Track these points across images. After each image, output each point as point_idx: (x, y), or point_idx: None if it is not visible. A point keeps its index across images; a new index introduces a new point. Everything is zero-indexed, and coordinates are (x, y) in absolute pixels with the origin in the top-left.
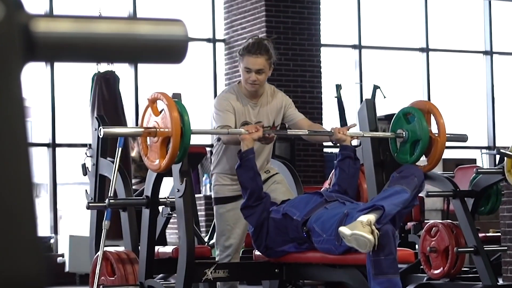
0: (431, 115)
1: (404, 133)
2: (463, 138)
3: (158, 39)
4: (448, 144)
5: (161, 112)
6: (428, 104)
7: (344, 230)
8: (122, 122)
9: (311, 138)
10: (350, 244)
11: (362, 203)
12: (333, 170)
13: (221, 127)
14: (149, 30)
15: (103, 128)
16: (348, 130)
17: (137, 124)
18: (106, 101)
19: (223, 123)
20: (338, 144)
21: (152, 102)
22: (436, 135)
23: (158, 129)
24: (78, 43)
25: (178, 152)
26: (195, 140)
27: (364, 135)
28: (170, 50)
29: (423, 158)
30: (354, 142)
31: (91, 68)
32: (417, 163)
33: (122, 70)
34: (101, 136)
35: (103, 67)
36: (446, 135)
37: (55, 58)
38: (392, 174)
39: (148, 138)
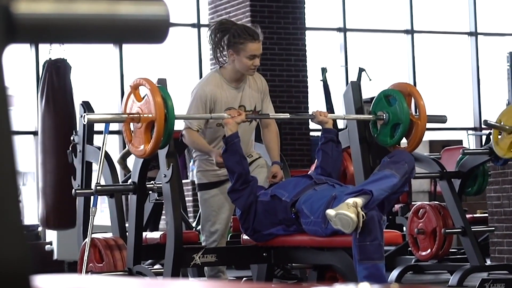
0: (412, 97)
1: (384, 115)
2: (442, 119)
3: (139, 19)
4: (434, 125)
5: (143, 97)
6: (409, 87)
7: (330, 211)
8: (71, 111)
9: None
10: (336, 226)
11: (352, 186)
12: (316, 153)
13: (210, 129)
14: (130, 11)
15: (86, 115)
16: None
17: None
18: (56, 89)
19: (188, 120)
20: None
21: (135, 88)
22: (417, 117)
23: (141, 115)
24: (59, 24)
25: (162, 137)
26: (179, 125)
27: (345, 117)
28: (152, 30)
29: (403, 140)
30: (341, 124)
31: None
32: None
33: (106, 54)
34: (84, 123)
35: (55, 54)
36: (427, 117)
37: (37, 39)
38: (383, 159)
39: (131, 124)
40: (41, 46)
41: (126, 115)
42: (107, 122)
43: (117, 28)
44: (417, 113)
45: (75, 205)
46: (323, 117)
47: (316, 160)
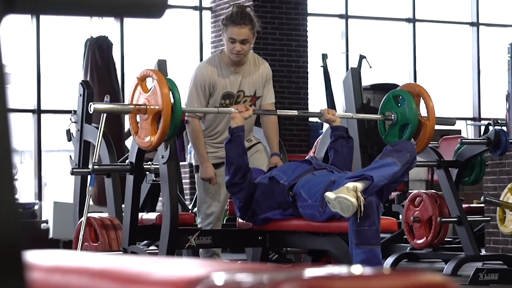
0: (421, 98)
1: (393, 115)
2: (451, 121)
3: None
4: None
5: (150, 89)
6: (418, 87)
7: (329, 194)
8: (115, 88)
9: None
10: (334, 209)
11: (351, 172)
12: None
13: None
14: None
15: (92, 104)
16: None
17: (123, 99)
18: (99, 66)
19: (191, 104)
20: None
21: (142, 79)
22: (425, 118)
23: (148, 106)
24: None
25: (169, 128)
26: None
27: (353, 116)
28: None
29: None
30: (340, 110)
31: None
32: None
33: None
34: (91, 112)
35: (96, 32)
36: (436, 119)
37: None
38: (385, 147)
39: (138, 115)
40: (72, 23)
41: (133, 106)
42: (113, 112)
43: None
44: (426, 114)
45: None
46: (331, 115)
47: (314, 145)
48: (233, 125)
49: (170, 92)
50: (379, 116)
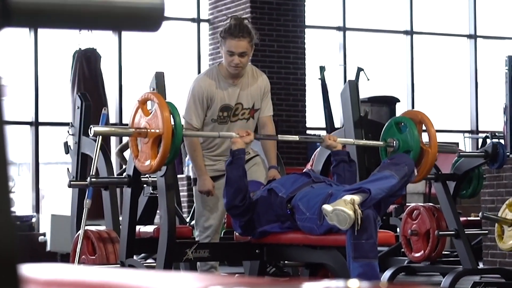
0: (423, 125)
1: (395, 142)
2: (453, 149)
3: (134, 6)
4: None
5: (151, 112)
6: (420, 114)
7: (326, 207)
8: (103, 100)
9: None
10: (332, 221)
11: (348, 185)
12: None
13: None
14: None
15: (93, 127)
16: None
17: (121, 120)
18: (87, 78)
19: (189, 116)
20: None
21: (143, 102)
22: (427, 145)
23: (149, 130)
24: (54, 9)
25: (169, 152)
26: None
27: (355, 143)
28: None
29: None
30: (337, 123)
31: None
32: None
33: (105, 48)
34: (91, 135)
35: (85, 44)
36: (438, 146)
37: (31, 23)
38: (383, 160)
39: (138, 139)
40: (70, 36)
41: (133, 129)
42: (114, 135)
43: (112, 14)
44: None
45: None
46: (332, 141)
47: (312, 158)
48: (234, 148)
49: (171, 115)
50: (381, 143)
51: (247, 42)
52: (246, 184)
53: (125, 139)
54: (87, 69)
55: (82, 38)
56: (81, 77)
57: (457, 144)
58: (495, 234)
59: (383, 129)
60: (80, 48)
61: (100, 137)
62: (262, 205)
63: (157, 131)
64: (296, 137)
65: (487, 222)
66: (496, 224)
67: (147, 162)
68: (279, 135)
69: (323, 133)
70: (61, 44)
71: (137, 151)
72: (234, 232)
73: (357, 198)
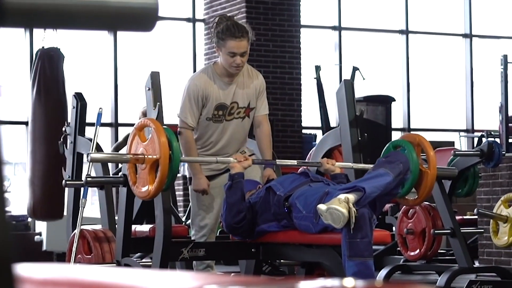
0: (421, 148)
1: None
2: (452, 172)
3: (129, 6)
4: (426, 126)
5: (148, 138)
6: (418, 137)
7: (321, 206)
8: (62, 99)
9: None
10: (326, 220)
11: (345, 184)
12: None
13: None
14: None
15: (90, 154)
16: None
17: (117, 120)
18: (47, 76)
19: (184, 115)
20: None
21: (139, 129)
22: (426, 168)
23: (146, 156)
24: (49, 9)
25: (166, 178)
26: (172, 119)
27: (353, 167)
28: (140, 18)
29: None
30: (333, 122)
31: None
32: (406, 196)
33: (102, 46)
34: (88, 161)
35: (48, 43)
36: (437, 168)
37: (25, 24)
38: (378, 159)
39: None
40: (35, 34)
41: (131, 156)
42: (111, 162)
43: (107, 14)
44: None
45: (63, 196)
46: (330, 165)
47: (307, 158)
48: (233, 173)
49: (168, 140)
50: None
51: (247, 41)
52: (246, 205)
53: (120, 137)
54: (48, 68)
55: (47, 37)
56: (41, 75)
57: (453, 143)
58: (490, 231)
59: (382, 152)
60: (43, 47)
61: (97, 136)
62: (260, 206)
63: (154, 156)
64: (294, 162)
65: (483, 220)
66: (491, 221)
67: (145, 188)
68: (277, 160)
69: (318, 132)
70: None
71: (135, 178)
72: None
73: (351, 196)
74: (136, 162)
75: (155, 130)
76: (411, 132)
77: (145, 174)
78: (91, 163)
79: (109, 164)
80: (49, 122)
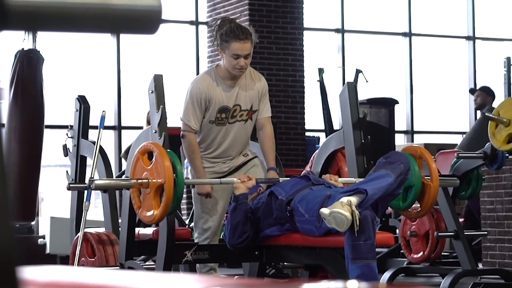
0: (423, 160)
1: None
2: (454, 183)
3: (132, 9)
4: (430, 129)
5: (151, 162)
6: (420, 150)
7: (324, 210)
8: (39, 101)
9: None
10: (330, 224)
11: (346, 187)
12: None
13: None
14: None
15: (94, 180)
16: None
17: (120, 123)
18: (26, 78)
19: (187, 118)
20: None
21: (142, 153)
22: (429, 180)
23: (150, 180)
24: (51, 12)
25: (171, 202)
26: (175, 122)
27: (356, 182)
28: (144, 20)
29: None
30: (336, 125)
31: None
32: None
33: (105, 49)
34: (92, 188)
35: (28, 45)
36: (439, 180)
37: (28, 27)
38: (379, 160)
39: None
40: (15, 36)
41: (135, 181)
42: (115, 188)
43: (109, 17)
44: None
45: (35, 199)
46: (333, 181)
47: (311, 160)
48: (237, 193)
49: (172, 164)
50: None
51: (250, 43)
52: (250, 225)
53: (129, 142)
54: (26, 69)
55: (25, 38)
56: (19, 76)
57: (456, 145)
58: (488, 132)
59: None
60: (23, 48)
61: (100, 139)
62: (263, 211)
63: (159, 180)
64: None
65: (486, 223)
66: (490, 122)
67: (150, 213)
68: (280, 179)
69: (322, 134)
70: (60, 46)
71: (139, 202)
72: None
73: (354, 199)
74: (140, 187)
75: (159, 154)
76: (413, 144)
77: (150, 199)
78: (95, 166)
79: (113, 168)
80: (25, 124)
